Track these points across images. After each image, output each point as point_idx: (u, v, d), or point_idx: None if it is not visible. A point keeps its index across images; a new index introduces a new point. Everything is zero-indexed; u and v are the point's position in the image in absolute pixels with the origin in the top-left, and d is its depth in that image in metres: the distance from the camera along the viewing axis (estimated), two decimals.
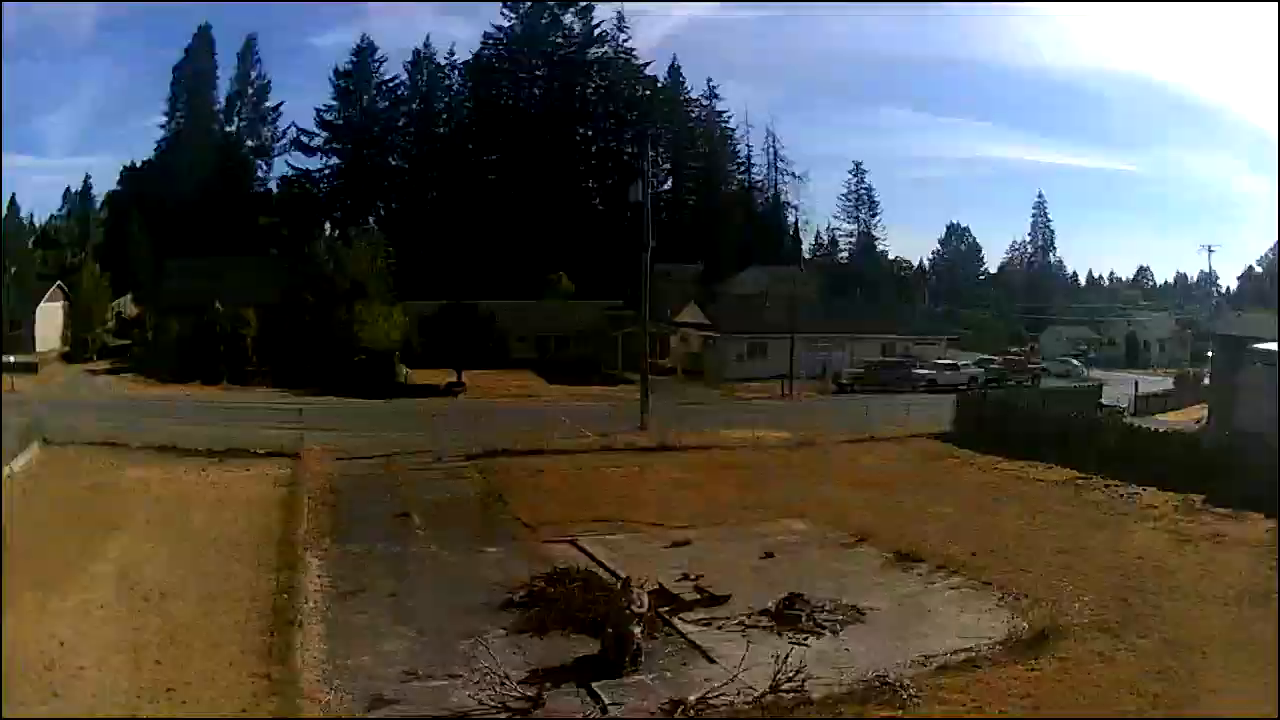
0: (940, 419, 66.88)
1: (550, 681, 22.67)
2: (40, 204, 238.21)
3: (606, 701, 21.84)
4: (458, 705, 21.55)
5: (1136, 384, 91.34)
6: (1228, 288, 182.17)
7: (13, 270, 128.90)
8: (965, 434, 63.27)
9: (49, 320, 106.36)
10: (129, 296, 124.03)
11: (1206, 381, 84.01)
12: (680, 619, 27.42)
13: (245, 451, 52.88)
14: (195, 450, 52.53)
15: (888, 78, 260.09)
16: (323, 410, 70.25)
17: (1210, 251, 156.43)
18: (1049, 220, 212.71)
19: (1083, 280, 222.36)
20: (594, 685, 22.61)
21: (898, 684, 22.01)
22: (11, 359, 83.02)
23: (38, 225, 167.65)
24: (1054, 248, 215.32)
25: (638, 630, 24.39)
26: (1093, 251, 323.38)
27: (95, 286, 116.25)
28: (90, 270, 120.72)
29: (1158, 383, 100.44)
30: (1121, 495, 46.10)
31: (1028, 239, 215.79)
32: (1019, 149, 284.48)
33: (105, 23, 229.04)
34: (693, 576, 30.74)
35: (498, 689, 21.69)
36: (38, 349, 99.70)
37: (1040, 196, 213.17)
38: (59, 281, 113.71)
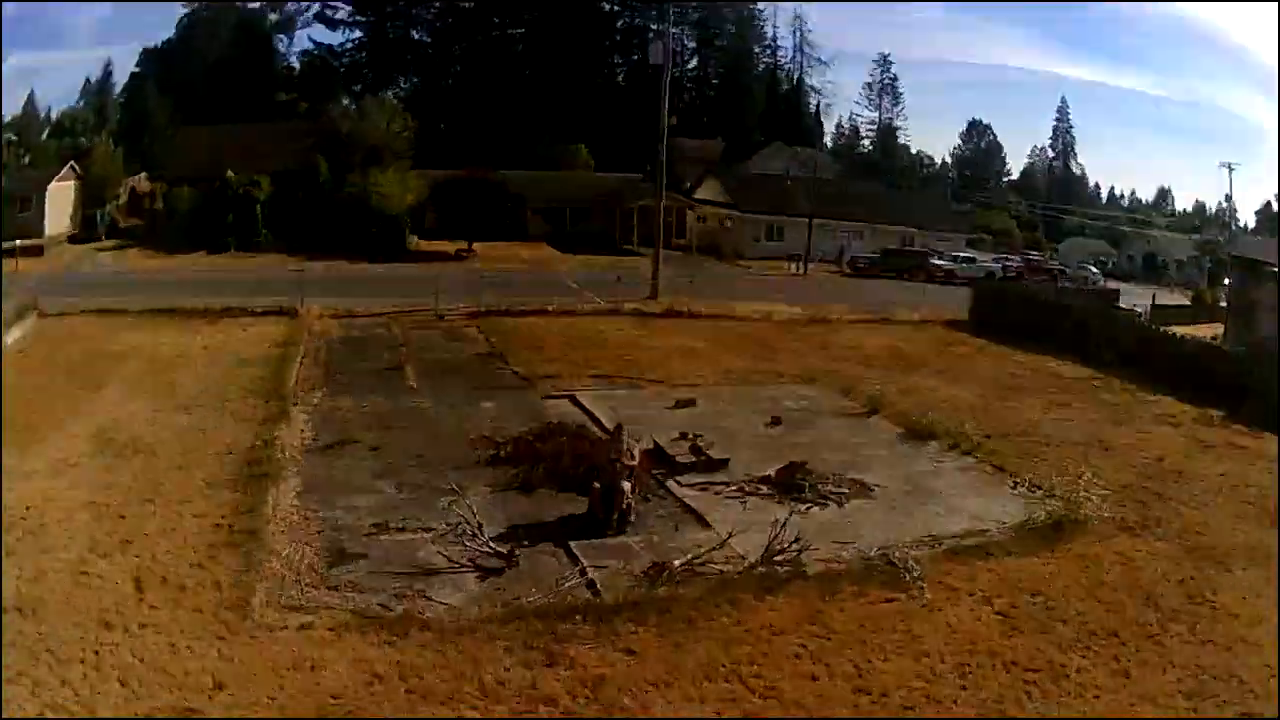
0: (956, 308, 64.64)
1: (529, 540, 21.60)
2: (61, 98, 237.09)
3: (585, 563, 20.59)
4: (424, 561, 20.66)
5: (1154, 295, 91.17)
6: (1245, 224, 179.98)
7: (27, 159, 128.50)
8: (982, 322, 61.38)
9: (59, 200, 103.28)
10: (143, 174, 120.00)
11: (1224, 302, 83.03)
12: (676, 481, 26.13)
13: (243, 312, 52.22)
14: (192, 313, 51.66)
15: None
16: (328, 274, 70.05)
17: (1231, 170, 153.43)
18: (1070, 127, 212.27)
19: (1104, 197, 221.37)
20: (573, 545, 21.42)
21: (902, 564, 20.63)
22: (17, 241, 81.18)
23: (54, 116, 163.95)
24: (1075, 154, 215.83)
25: (627, 485, 22.95)
26: (1115, 170, 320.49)
27: (108, 163, 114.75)
28: (103, 147, 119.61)
29: (1174, 300, 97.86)
30: (1139, 399, 43.61)
31: (1049, 144, 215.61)
32: (1049, 59, 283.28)
33: None
34: (692, 437, 29.22)
35: (468, 544, 20.68)
36: (47, 231, 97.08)
37: (1064, 102, 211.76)
38: (71, 161, 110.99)
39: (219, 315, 51.32)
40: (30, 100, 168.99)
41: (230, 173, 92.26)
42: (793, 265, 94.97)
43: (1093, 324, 56.45)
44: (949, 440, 31.71)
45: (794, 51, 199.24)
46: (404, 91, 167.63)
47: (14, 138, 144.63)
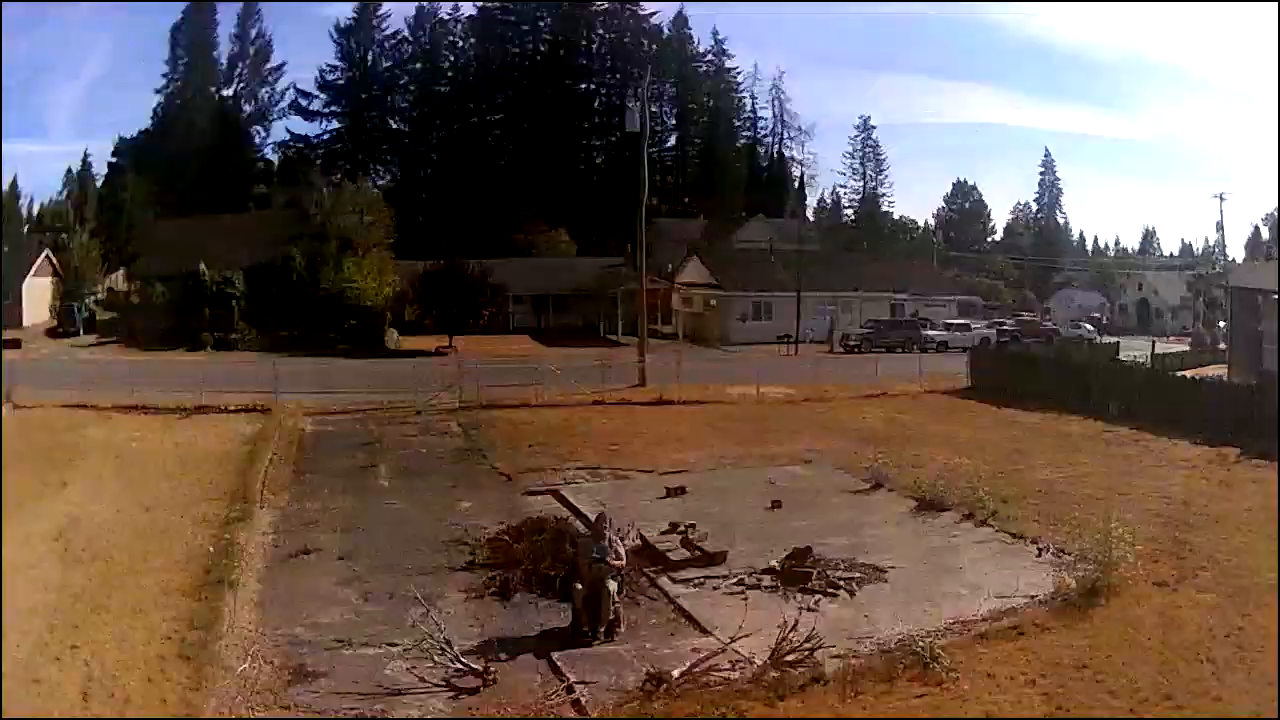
0: (954, 375, 65.39)
1: (506, 653, 19.41)
2: (43, 188, 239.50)
3: (571, 677, 18.35)
4: (391, 680, 18.60)
5: (1154, 343, 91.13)
6: (1232, 258, 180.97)
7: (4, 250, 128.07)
8: (982, 387, 61.50)
9: (36, 293, 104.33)
10: (121, 271, 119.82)
11: (1223, 345, 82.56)
12: (669, 579, 23.89)
13: (216, 409, 50.61)
14: (164, 409, 50.29)
15: (895, 42, 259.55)
16: (305, 371, 67.92)
17: (1222, 200, 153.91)
18: (1056, 178, 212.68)
19: (1089, 246, 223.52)
20: (556, 657, 19.21)
21: (928, 654, 18.38)
22: None
23: (35, 209, 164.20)
24: (1060, 206, 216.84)
25: (614, 586, 20.70)
26: (1098, 218, 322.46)
27: (85, 258, 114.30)
28: (81, 242, 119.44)
29: (1173, 347, 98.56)
30: (1151, 447, 43.13)
31: (1034, 198, 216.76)
32: (1024, 114, 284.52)
33: None
34: (684, 528, 26.92)
35: (436, 659, 18.60)
36: (25, 323, 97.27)
37: (1047, 154, 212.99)
38: (46, 253, 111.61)
39: (191, 412, 50.06)
40: (13, 188, 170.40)
41: (204, 267, 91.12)
42: (782, 346, 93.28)
43: (1096, 379, 56.69)
44: (962, 510, 29.97)
45: (774, 122, 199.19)
46: (383, 183, 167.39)
47: None
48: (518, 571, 23.75)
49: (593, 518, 25.14)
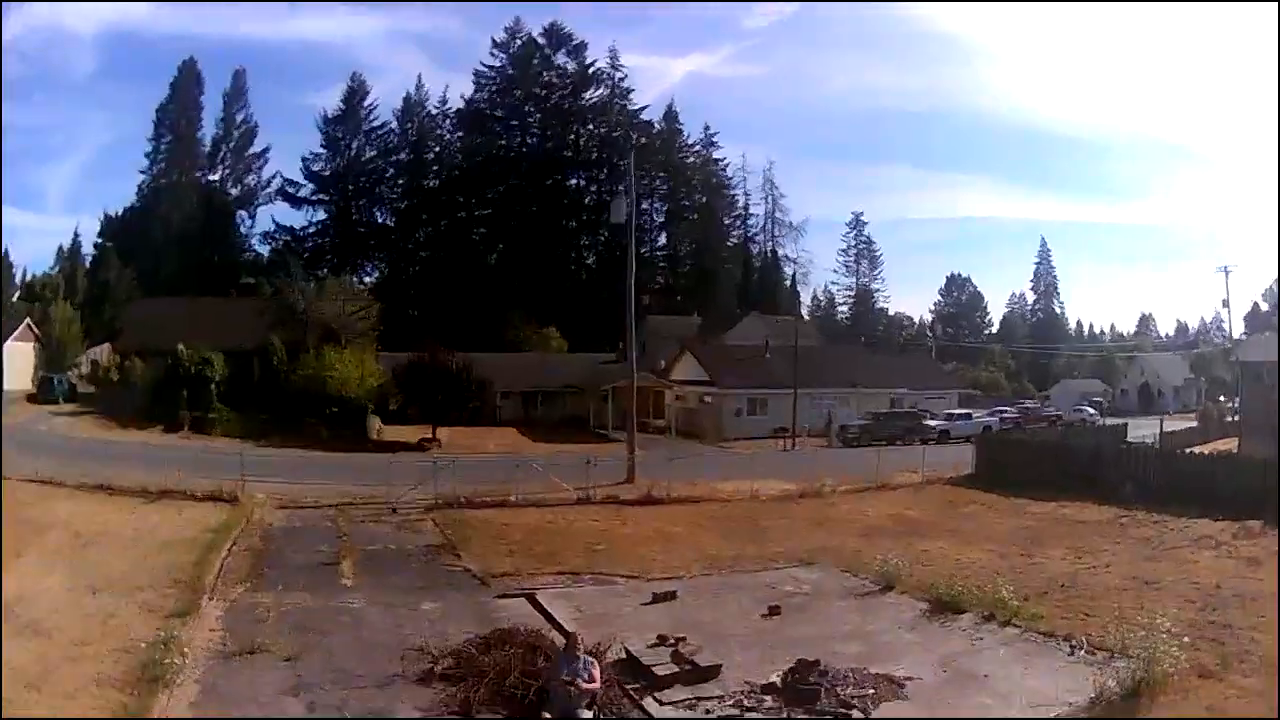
0: (957, 465, 63.29)
1: None
2: (38, 260, 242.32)
3: None
4: None
5: (1161, 421, 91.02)
6: (1244, 333, 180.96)
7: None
8: (988, 476, 59.31)
9: (17, 359, 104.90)
10: (107, 345, 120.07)
11: (1232, 418, 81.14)
12: (655, 699, 20.97)
13: (183, 494, 48.77)
14: (131, 491, 49.12)
15: (884, 136, 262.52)
16: (281, 459, 67.28)
17: (1228, 274, 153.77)
18: (1052, 267, 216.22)
19: (1084, 334, 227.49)
20: None
21: None
22: None
23: (25, 279, 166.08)
24: (1057, 294, 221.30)
25: (588, 716, 18.33)
26: (1091, 304, 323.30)
27: (67, 329, 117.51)
28: (63, 312, 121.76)
29: (1179, 426, 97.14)
30: (1172, 528, 42.00)
31: (1030, 288, 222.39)
32: (1015, 205, 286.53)
33: (105, 70, 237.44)
34: (674, 640, 23.78)
35: None
36: (4, 387, 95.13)
37: (1043, 243, 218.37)
38: (28, 320, 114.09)
39: (157, 495, 48.33)
40: (4, 258, 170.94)
41: (182, 347, 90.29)
42: (779, 441, 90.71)
43: (1106, 463, 55.51)
44: (982, 610, 27.43)
45: (765, 219, 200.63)
46: (370, 279, 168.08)
47: None
48: (482, 687, 20.88)
49: (570, 626, 22.51)
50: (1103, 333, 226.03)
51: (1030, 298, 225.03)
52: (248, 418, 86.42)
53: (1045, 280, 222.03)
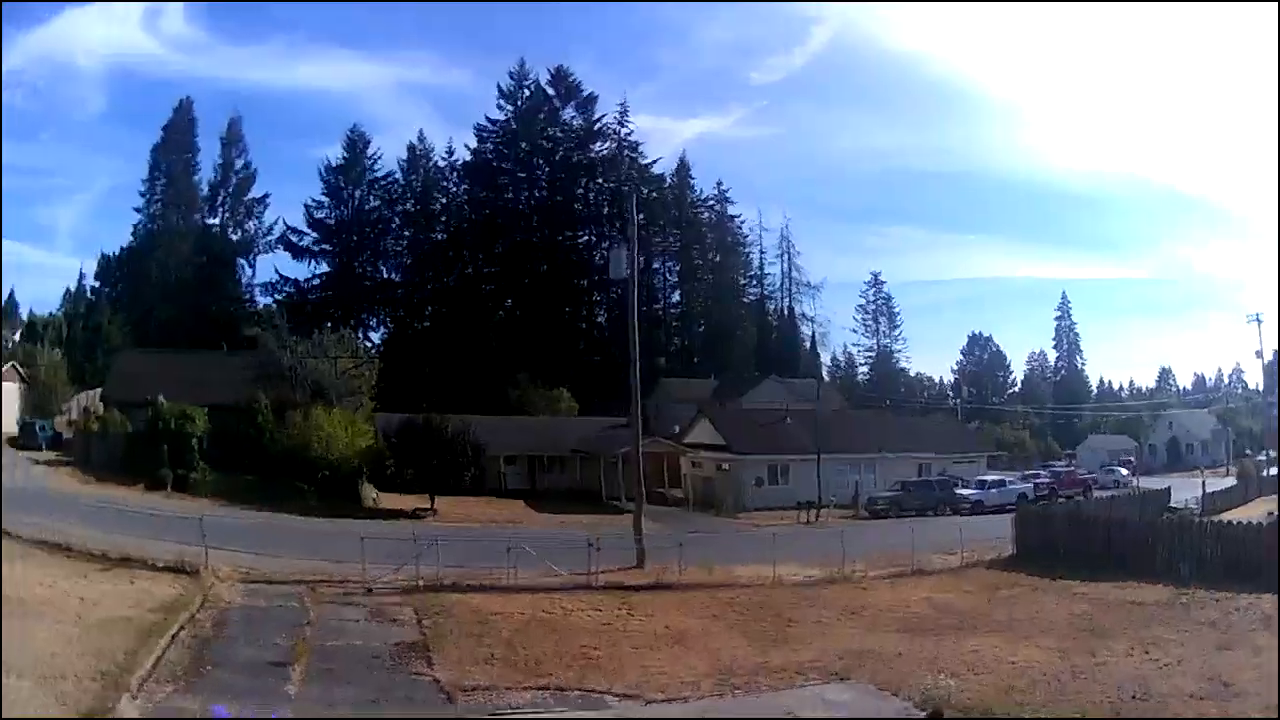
0: (996, 543, 59.03)
1: None
2: (47, 301, 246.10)
3: None
4: None
5: (1204, 484, 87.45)
6: (1255, 385, 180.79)
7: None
8: (1030, 555, 55.60)
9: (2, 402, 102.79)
10: (97, 391, 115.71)
11: (1266, 473, 79.42)
12: None
13: (141, 563, 45.13)
14: (86, 553, 45.96)
15: (895, 196, 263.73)
16: (258, 526, 63.63)
17: (1259, 322, 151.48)
18: (1073, 323, 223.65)
19: (1105, 389, 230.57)
20: None
21: None
22: None
23: (29, 320, 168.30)
24: (1080, 352, 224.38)
25: None
26: (1108, 360, 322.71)
27: (53, 374, 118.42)
28: (50, 357, 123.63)
29: (1213, 483, 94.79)
30: (1234, 608, 38.93)
31: (1052, 345, 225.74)
32: (1026, 263, 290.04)
33: (113, 110, 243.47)
34: None
35: None
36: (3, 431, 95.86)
37: (1064, 299, 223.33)
38: (13, 362, 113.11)
39: (115, 562, 44.85)
40: (10, 297, 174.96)
41: (162, 400, 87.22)
42: (802, 514, 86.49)
43: (1157, 535, 53.19)
44: None
45: (782, 279, 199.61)
46: (377, 333, 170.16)
47: None
48: None
49: None
50: (1121, 388, 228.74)
51: (1051, 355, 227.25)
52: (232, 478, 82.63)
53: (1067, 337, 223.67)
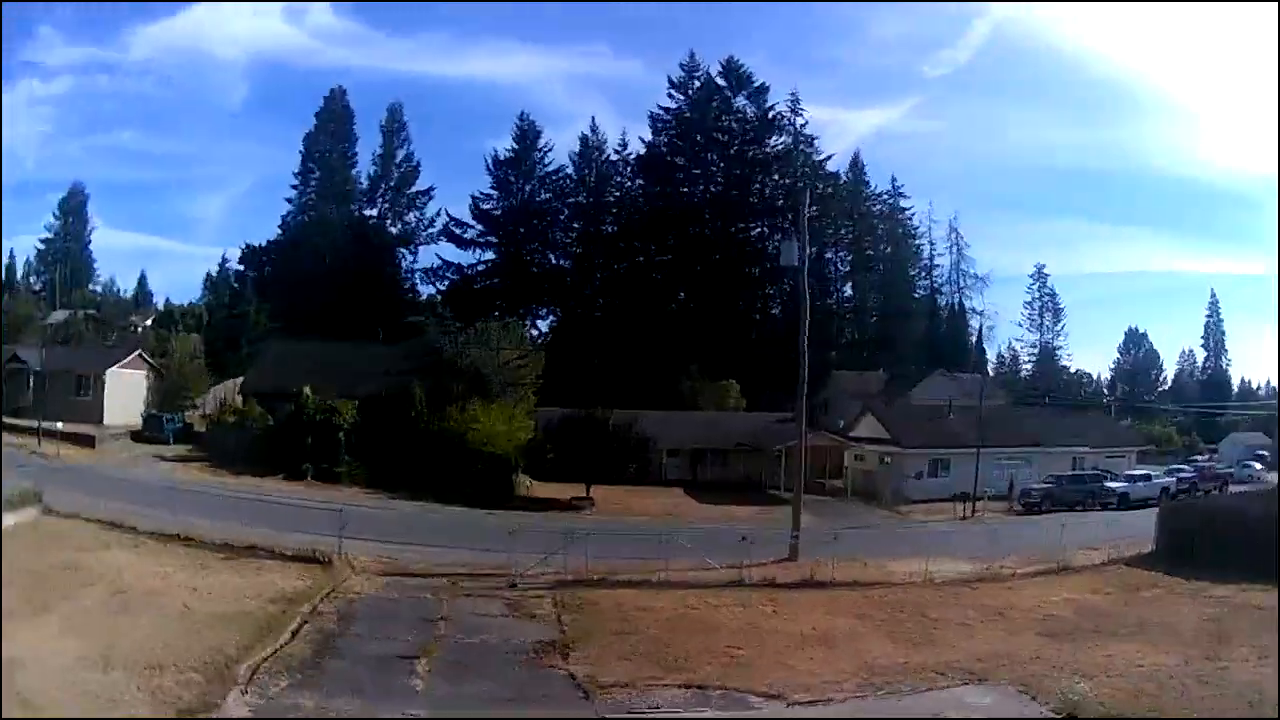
0: (1139, 540, 60.19)
1: None
2: (187, 291, 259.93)
3: None
4: None
5: None
6: None
7: (113, 339, 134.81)
8: (1169, 554, 56.83)
9: (123, 390, 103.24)
10: (237, 381, 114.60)
11: None
12: None
13: (269, 552, 46.10)
14: (207, 544, 46.51)
15: (1060, 189, 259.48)
16: (401, 517, 64.77)
17: None
18: (1221, 322, 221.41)
19: (1249, 388, 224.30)
20: None
21: None
22: (59, 425, 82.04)
23: (165, 308, 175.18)
24: (1225, 351, 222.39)
25: None
26: (1252, 358, 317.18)
27: (188, 363, 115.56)
28: (183, 343, 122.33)
29: None
30: None
31: (1201, 344, 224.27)
32: (1183, 258, 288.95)
33: (260, 101, 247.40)
34: None
35: None
36: (106, 420, 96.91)
37: (1213, 298, 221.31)
38: (139, 350, 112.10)
39: (238, 551, 45.75)
40: (142, 283, 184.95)
41: (308, 391, 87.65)
42: (959, 506, 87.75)
43: None
44: None
45: (951, 271, 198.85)
46: (545, 322, 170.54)
47: (94, 312, 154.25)
48: None
49: None
50: (1259, 387, 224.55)
51: (1200, 354, 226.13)
52: (380, 469, 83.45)
53: (1214, 336, 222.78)
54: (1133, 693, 28.99)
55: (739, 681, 30.75)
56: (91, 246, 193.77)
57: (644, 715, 27.64)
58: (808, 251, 69.36)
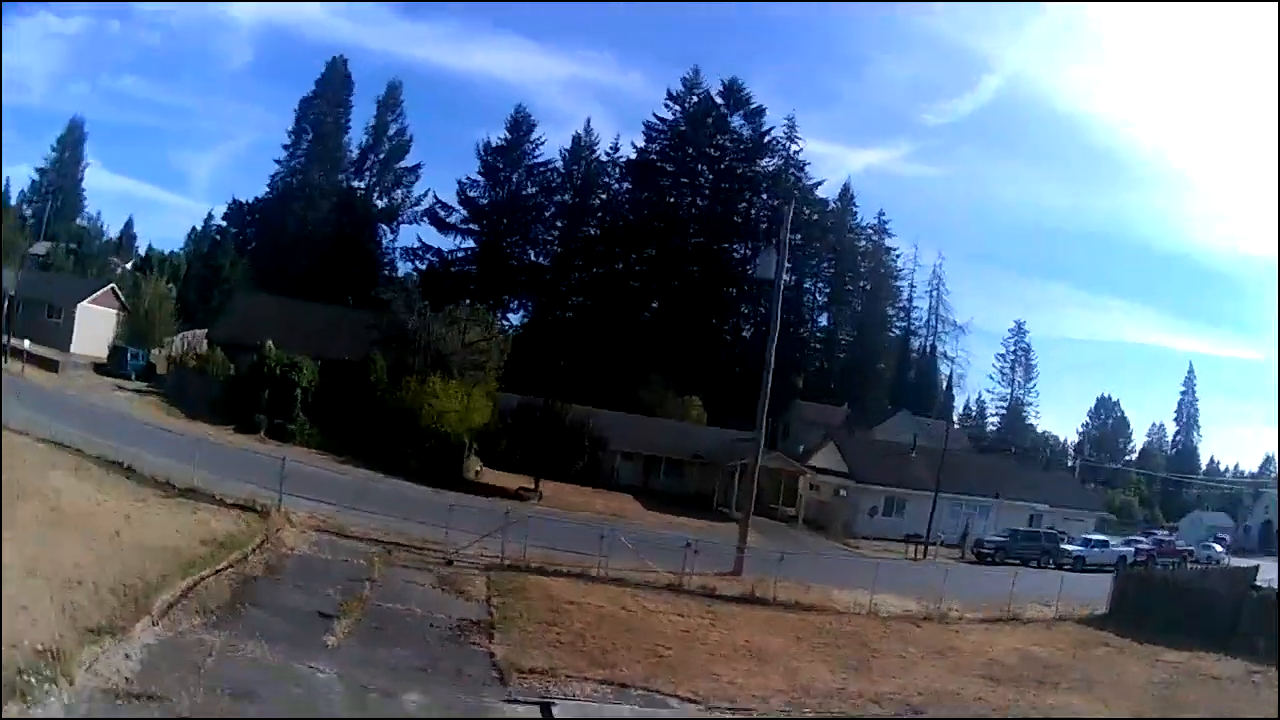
0: (1091, 600, 59.27)
1: None
2: (172, 241, 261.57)
3: None
4: None
5: None
6: None
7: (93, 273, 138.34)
8: (1122, 616, 56.53)
9: (91, 323, 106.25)
10: (205, 331, 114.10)
11: None
12: None
13: (209, 496, 44.76)
14: (148, 479, 45.54)
15: (1047, 250, 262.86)
16: (348, 482, 62.70)
17: None
18: (1195, 399, 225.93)
19: (1215, 468, 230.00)
20: None
21: None
22: (26, 343, 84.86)
23: (146, 254, 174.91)
24: (1197, 428, 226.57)
25: None
26: (1220, 439, 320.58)
27: (158, 304, 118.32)
28: (155, 286, 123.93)
29: None
30: None
31: (1173, 418, 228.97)
32: (1162, 333, 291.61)
33: (264, 65, 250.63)
34: None
35: None
36: (72, 349, 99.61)
37: (1190, 373, 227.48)
38: (112, 286, 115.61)
39: (179, 491, 44.65)
40: (128, 227, 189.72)
41: (270, 345, 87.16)
42: (909, 548, 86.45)
43: (1243, 610, 54.48)
44: None
45: (929, 315, 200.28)
46: (516, 315, 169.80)
47: (75, 246, 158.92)
48: None
49: None
50: (1227, 469, 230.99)
51: (1170, 428, 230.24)
52: (333, 433, 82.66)
53: (1188, 412, 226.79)
54: None
55: (662, 684, 29.49)
56: (84, 185, 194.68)
57: (562, 700, 26.30)
58: (786, 278, 68.61)
